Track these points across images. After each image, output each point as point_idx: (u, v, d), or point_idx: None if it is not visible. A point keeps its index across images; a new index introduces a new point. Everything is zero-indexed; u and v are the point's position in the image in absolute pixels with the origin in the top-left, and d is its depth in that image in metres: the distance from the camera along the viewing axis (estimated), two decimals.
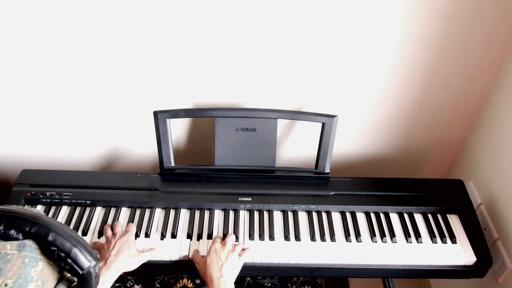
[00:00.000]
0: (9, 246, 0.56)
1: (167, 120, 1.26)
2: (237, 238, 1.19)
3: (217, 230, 1.21)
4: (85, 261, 0.60)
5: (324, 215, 1.25)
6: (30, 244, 0.58)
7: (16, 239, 0.57)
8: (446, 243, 1.19)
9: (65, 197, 1.25)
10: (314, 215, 1.24)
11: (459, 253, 1.17)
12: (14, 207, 0.59)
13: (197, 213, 1.24)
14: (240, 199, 1.25)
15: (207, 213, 1.24)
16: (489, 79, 1.30)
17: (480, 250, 1.18)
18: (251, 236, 1.18)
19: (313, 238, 1.19)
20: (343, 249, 1.18)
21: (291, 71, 1.29)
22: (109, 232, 1.15)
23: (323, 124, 1.27)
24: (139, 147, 1.54)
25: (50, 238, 0.58)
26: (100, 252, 1.09)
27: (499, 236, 1.25)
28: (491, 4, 1.12)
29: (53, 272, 0.60)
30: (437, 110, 1.39)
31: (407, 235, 1.21)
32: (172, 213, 1.24)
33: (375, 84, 1.32)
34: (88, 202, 1.25)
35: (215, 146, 1.30)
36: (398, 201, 1.27)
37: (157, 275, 1.76)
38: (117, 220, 1.22)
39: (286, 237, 1.19)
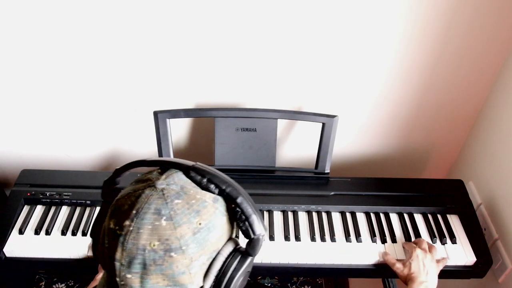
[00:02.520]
0: (207, 196, 0.67)
1: (167, 120, 1.26)
2: (237, 237, 1.18)
3: None
4: (259, 228, 0.70)
5: (324, 215, 1.25)
6: (221, 200, 0.69)
7: (213, 193, 0.68)
8: (446, 243, 1.19)
9: (65, 197, 1.25)
10: (314, 215, 1.24)
11: (459, 253, 1.17)
12: (215, 169, 0.70)
13: None
14: None
15: None
16: (489, 79, 1.30)
17: (480, 250, 1.18)
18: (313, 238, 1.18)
19: (313, 238, 1.19)
20: (343, 249, 1.18)
21: (291, 71, 1.29)
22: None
23: (323, 124, 1.27)
24: (139, 147, 1.54)
25: (238, 200, 0.68)
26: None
27: (499, 236, 1.25)
28: (491, 5, 1.12)
29: (229, 229, 0.70)
30: (437, 110, 1.39)
31: (407, 235, 1.21)
32: None
33: (375, 84, 1.32)
34: (88, 202, 1.25)
35: (215, 146, 1.30)
36: (398, 201, 1.27)
37: None
38: None
39: (286, 237, 1.19)
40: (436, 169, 1.63)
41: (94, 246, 0.71)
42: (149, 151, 1.54)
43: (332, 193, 1.28)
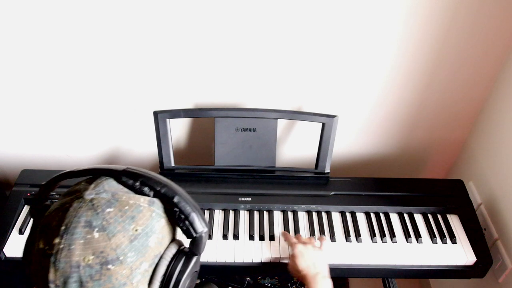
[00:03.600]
0: (142, 200, 0.65)
1: (167, 120, 1.26)
2: (237, 238, 1.19)
3: (217, 230, 1.21)
4: (200, 225, 0.68)
5: (324, 215, 1.25)
6: (157, 202, 0.66)
7: (147, 195, 0.66)
8: (446, 243, 1.19)
9: None
10: (314, 215, 1.24)
11: (459, 253, 1.17)
12: (148, 171, 0.68)
13: None
14: (240, 199, 1.25)
15: (207, 213, 1.24)
16: (489, 79, 1.30)
17: (480, 250, 1.18)
18: (251, 236, 1.18)
19: None
20: (343, 249, 1.18)
21: (291, 71, 1.29)
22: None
23: (323, 124, 1.27)
24: (139, 147, 1.54)
25: (175, 200, 0.66)
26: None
27: (499, 236, 1.25)
28: (491, 4, 1.12)
29: (170, 231, 0.68)
30: (437, 110, 1.39)
31: (407, 235, 1.21)
32: None
33: (375, 84, 1.32)
34: None
35: (215, 146, 1.30)
36: (398, 201, 1.27)
37: None
38: None
39: None
40: (436, 169, 1.63)
41: (27, 269, 0.65)
42: (149, 151, 1.54)
43: (332, 193, 1.28)
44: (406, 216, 1.26)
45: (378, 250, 1.17)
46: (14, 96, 1.36)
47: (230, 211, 1.25)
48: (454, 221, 1.25)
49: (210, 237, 1.18)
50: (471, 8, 1.13)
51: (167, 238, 0.67)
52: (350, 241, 1.19)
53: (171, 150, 1.30)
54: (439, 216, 1.26)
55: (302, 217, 1.24)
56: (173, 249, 0.66)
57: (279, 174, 1.34)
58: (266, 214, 1.24)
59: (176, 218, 0.67)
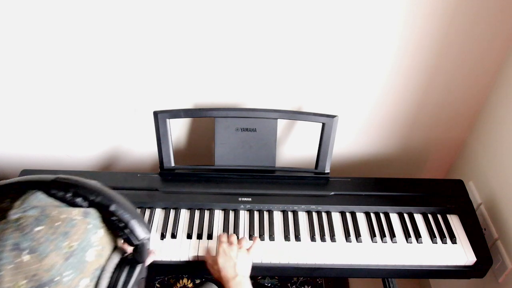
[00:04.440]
0: (75, 212, 0.60)
1: (167, 120, 1.26)
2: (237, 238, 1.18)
3: (217, 230, 1.21)
4: (141, 232, 0.65)
5: (324, 215, 1.25)
6: (93, 212, 0.62)
7: (81, 206, 0.61)
8: (446, 243, 1.19)
9: None
10: (314, 215, 1.24)
11: (459, 253, 1.17)
12: (80, 178, 0.64)
13: (197, 213, 1.24)
14: (240, 199, 1.25)
15: (207, 213, 1.24)
16: (489, 79, 1.30)
17: (480, 250, 1.18)
18: (251, 236, 1.18)
19: (313, 238, 1.19)
20: (343, 249, 1.18)
21: (291, 71, 1.29)
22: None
23: (323, 124, 1.27)
24: (139, 147, 1.54)
25: (112, 208, 0.62)
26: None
27: (499, 236, 1.25)
28: (491, 4, 1.12)
29: (110, 240, 0.64)
30: (437, 110, 1.39)
31: (407, 235, 1.21)
32: (172, 213, 1.24)
33: (375, 84, 1.32)
34: None
35: (215, 146, 1.30)
36: (398, 201, 1.27)
37: (157, 275, 1.77)
38: None
39: (286, 237, 1.19)
40: (436, 169, 1.63)
41: None
42: (149, 151, 1.54)
43: (332, 193, 1.28)
44: (406, 216, 1.26)
45: (378, 250, 1.17)
46: (14, 96, 1.36)
47: (230, 211, 1.25)
48: (454, 221, 1.25)
49: (210, 237, 1.18)
50: (471, 8, 1.13)
51: (107, 248, 0.63)
52: (350, 241, 1.19)
53: (171, 150, 1.30)
54: (439, 216, 1.26)
55: (302, 217, 1.24)
56: (115, 259, 0.63)
57: (279, 174, 1.34)
58: (266, 214, 1.24)
59: (115, 227, 0.63)
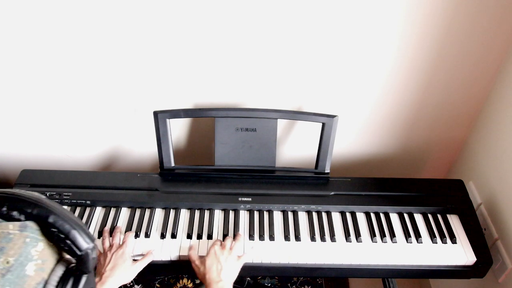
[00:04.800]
0: (11, 226, 0.58)
1: (167, 120, 1.26)
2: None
3: (217, 230, 1.21)
4: (83, 242, 0.62)
5: (324, 215, 1.25)
6: (31, 225, 0.60)
7: (18, 220, 0.59)
8: (446, 243, 1.19)
9: (65, 197, 1.25)
10: (314, 215, 1.24)
11: (459, 253, 1.17)
12: (16, 190, 0.62)
13: (197, 213, 1.24)
14: (240, 199, 1.25)
15: (207, 213, 1.24)
16: (489, 79, 1.30)
17: (480, 250, 1.18)
18: (251, 236, 1.18)
19: (313, 238, 1.19)
20: (343, 249, 1.18)
21: (291, 71, 1.29)
22: (106, 243, 1.14)
23: (323, 124, 1.27)
24: (139, 147, 1.54)
25: (50, 219, 0.60)
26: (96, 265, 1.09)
27: (499, 236, 1.25)
28: (491, 4, 1.12)
29: (52, 252, 0.62)
30: (437, 110, 1.39)
31: (407, 235, 1.21)
32: (172, 213, 1.24)
33: (375, 84, 1.32)
34: (88, 202, 1.25)
35: (215, 146, 1.30)
36: (398, 201, 1.27)
37: (157, 275, 1.76)
38: (117, 221, 1.22)
39: (286, 237, 1.19)
40: (436, 169, 1.63)
41: None
42: (149, 151, 1.54)
43: (332, 193, 1.28)
44: (406, 216, 1.26)
45: (378, 250, 1.17)
46: (14, 96, 1.36)
47: (230, 211, 1.25)
48: (454, 221, 1.25)
49: (210, 237, 1.19)
50: (471, 8, 1.13)
51: (50, 261, 0.61)
52: (350, 241, 1.19)
53: (171, 150, 1.30)
54: (439, 216, 1.26)
55: (302, 217, 1.24)
56: (59, 272, 0.61)
57: (279, 174, 1.34)
58: (266, 214, 1.24)
59: (55, 239, 0.62)
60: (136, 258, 1.14)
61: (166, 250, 1.16)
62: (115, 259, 1.08)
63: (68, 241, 0.61)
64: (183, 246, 1.17)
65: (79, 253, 0.62)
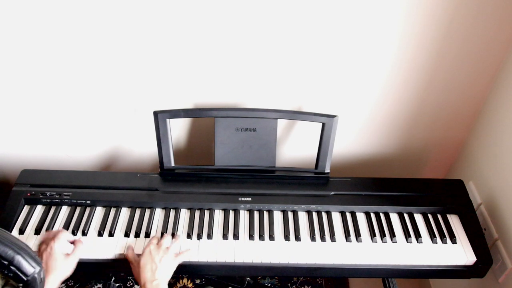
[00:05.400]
0: None
1: (167, 120, 1.26)
2: (237, 238, 1.19)
3: (217, 230, 1.21)
4: (29, 267, 0.60)
5: (324, 215, 1.25)
6: None
7: None
8: (446, 243, 1.19)
9: (65, 197, 1.25)
10: (314, 215, 1.24)
11: (459, 253, 1.17)
12: None
13: (197, 213, 1.24)
14: (240, 199, 1.25)
15: (207, 213, 1.24)
16: (489, 79, 1.30)
17: (480, 250, 1.18)
18: (251, 236, 1.18)
19: (313, 238, 1.19)
20: (343, 249, 1.18)
21: (291, 71, 1.29)
22: (42, 247, 1.08)
23: (323, 124, 1.27)
24: (139, 147, 1.54)
25: None
26: None
27: (499, 236, 1.25)
28: (491, 4, 1.12)
29: None
30: (437, 110, 1.39)
31: (407, 235, 1.21)
32: (172, 213, 1.24)
33: (375, 84, 1.32)
34: (88, 202, 1.25)
35: (215, 146, 1.30)
36: (398, 201, 1.27)
37: None
38: (117, 221, 1.22)
39: (286, 237, 1.19)
40: (436, 169, 1.63)
41: None
42: (149, 151, 1.54)
43: (332, 193, 1.28)
44: (406, 216, 1.26)
45: (378, 250, 1.17)
46: (14, 96, 1.36)
47: (230, 211, 1.25)
48: (454, 221, 1.25)
49: (210, 237, 1.19)
50: (471, 8, 1.13)
51: None
52: (350, 241, 1.19)
53: (171, 150, 1.30)
54: (439, 216, 1.26)
55: (302, 217, 1.24)
56: None
57: (279, 174, 1.34)
58: (266, 214, 1.24)
59: None
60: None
61: None
62: (45, 261, 1.03)
63: (12, 268, 0.58)
64: (183, 246, 1.17)
65: (25, 278, 0.59)
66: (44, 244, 1.08)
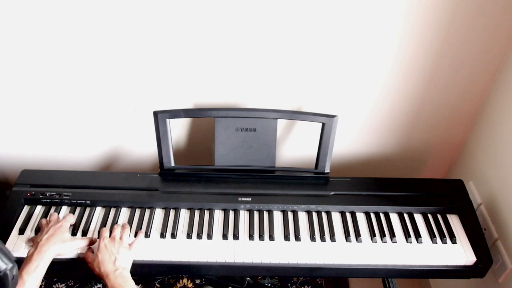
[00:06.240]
0: None
1: (167, 120, 1.26)
2: (237, 238, 1.19)
3: (217, 230, 1.21)
4: (1, 263, 0.60)
5: (324, 215, 1.25)
6: None
7: None
8: (446, 243, 1.19)
9: (65, 197, 1.25)
10: (314, 215, 1.24)
11: (459, 253, 1.17)
12: None
13: (197, 213, 1.24)
14: (240, 199, 1.25)
15: (207, 213, 1.24)
16: (489, 78, 1.30)
17: (480, 250, 1.18)
18: (251, 236, 1.18)
19: (313, 238, 1.19)
20: (343, 249, 1.18)
21: (291, 71, 1.29)
22: (43, 221, 1.16)
23: (323, 124, 1.27)
24: (139, 147, 1.54)
25: None
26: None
27: (499, 236, 1.25)
28: (490, 4, 1.12)
29: None
30: (437, 110, 1.39)
31: (407, 235, 1.21)
32: (172, 213, 1.24)
33: (375, 84, 1.32)
34: (88, 202, 1.25)
35: (215, 146, 1.30)
36: (398, 201, 1.27)
37: (157, 275, 1.77)
38: (117, 221, 1.22)
39: (286, 237, 1.19)
40: (436, 169, 1.63)
41: None
42: (149, 151, 1.54)
43: (332, 193, 1.28)
44: (406, 216, 1.26)
45: (378, 250, 1.17)
46: (14, 96, 1.36)
47: (230, 211, 1.25)
48: (454, 221, 1.25)
49: (210, 237, 1.19)
50: (471, 8, 1.13)
51: None
52: (350, 241, 1.19)
53: (171, 150, 1.30)
54: (439, 216, 1.26)
55: (302, 217, 1.24)
56: None
57: (279, 174, 1.34)
58: (266, 214, 1.24)
59: None
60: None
61: (166, 250, 1.16)
62: (53, 230, 1.09)
63: None
64: (183, 246, 1.16)
65: None
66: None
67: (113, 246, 1.09)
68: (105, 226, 1.20)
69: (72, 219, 1.18)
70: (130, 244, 1.13)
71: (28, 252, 1.05)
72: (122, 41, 1.21)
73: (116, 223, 1.21)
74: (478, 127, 1.40)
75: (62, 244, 1.08)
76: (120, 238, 1.13)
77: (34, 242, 1.08)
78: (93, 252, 1.12)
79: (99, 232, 1.16)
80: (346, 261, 1.16)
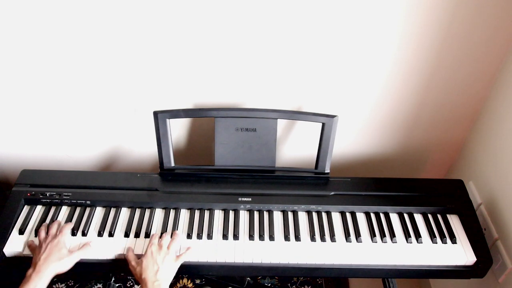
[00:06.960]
0: None
1: (167, 120, 1.26)
2: (237, 238, 1.19)
3: (217, 230, 1.21)
4: None
5: (324, 215, 1.25)
6: None
7: None
8: (446, 243, 1.19)
9: (65, 197, 1.25)
10: (314, 215, 1.24)
11: (459, 253, 1.17)
12: None
13: (197, 213, 1.24)
14: (240, 199, 1.25)
15: (207, 213, 1.24)
16: (489, 79, 1.30)
17: (480, 250, 1.18)
18: (251, 236, 1.18)
19: (313, 238, 1.19)
20: (343, 249, 1.18)
21: (291, 71, 1.29)
22: (42, 235, 1.15)
23: (323, 124, 1.27)
24: (139, 147, 1.54)
25: None
26: (32, 255, 1.11)
27: (499, 236, 1.25)
28: (491, 4, 1.12)
29: None
30: (437, 110, 1.39)
31: (407, 235, 1.21)
32: (172, 213, 1.24)
33: (375, 84, 1.32)
34: (88, 202, 1.25)
35: (215, 146, 1.30)
36: (398, 201, 1.27)
37: None
38: (117, 221, 1.22)
39: (286, 237, 1.19)
40: (436, 169, 1.63)
41: None
42: (149, 151, 1.54)
43: (332, 193, 1.28)
44: (406, 216, 1.26)
45: (378, 250, 1.17)
46: (14, 96, 1.36)
47: (230, 211, 1.25)
48: (454, 221, 1.25)
49: (210, 237, 1.19)
50: (471, 8, 1.13)
51: None
52: (350, 241, 1.19)
53: (171, 150, 1.30)
54: (439, 216, 1.26)
55: (302, 217, 1.24)
56: None
57: (279, 174, 1.34)
58: (266, 214, 1.24)
59: None
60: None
61: None
62: (50, 248, 1.09)
63: None
64: (183, 246, 1.16)
65: None
66: (46, 234, 1.11)
67: (159, 255, 1.08)
68: (105, 226, 1.20)
69: (68, 230, 1.17)
70: (177, 256, 1.12)
71: (27, 272, 1.04)
72: (122, 41, 1.21)
73: (117, 223, 1.21)
74: (478, 127, 1.40)
75: (60, 262, 1.07)
76: (168, 248, 1.12)
77: (32, 262, 1.08)
78: (137, 256, 1.12)
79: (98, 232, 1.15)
80: (346, 261, 1.16)
